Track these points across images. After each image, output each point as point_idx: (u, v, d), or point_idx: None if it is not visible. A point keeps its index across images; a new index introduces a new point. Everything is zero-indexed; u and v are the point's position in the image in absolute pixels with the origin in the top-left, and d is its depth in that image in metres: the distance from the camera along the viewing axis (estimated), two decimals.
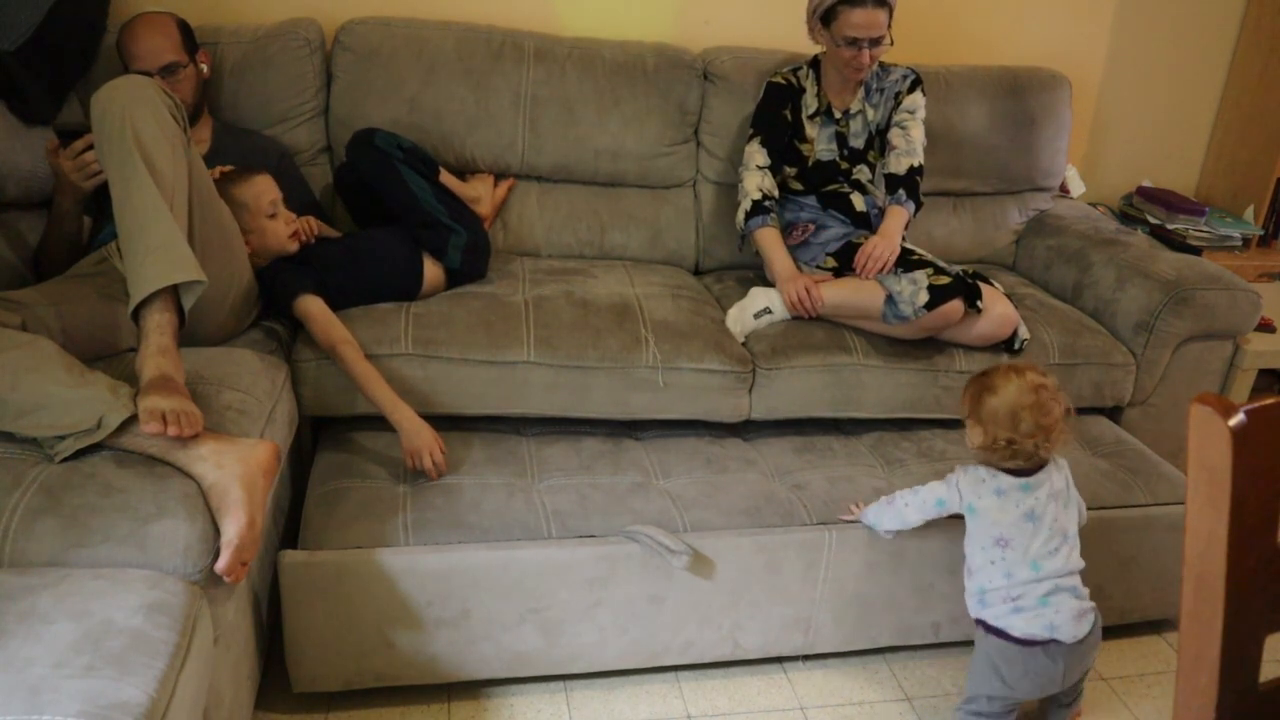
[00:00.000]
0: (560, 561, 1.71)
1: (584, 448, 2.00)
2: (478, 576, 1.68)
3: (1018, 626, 1.60)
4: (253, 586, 1.63)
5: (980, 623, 1.66)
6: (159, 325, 1.47)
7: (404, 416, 1.81)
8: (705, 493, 1.89)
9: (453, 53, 2.36)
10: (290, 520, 1.89)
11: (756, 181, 2.32)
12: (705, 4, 2.68)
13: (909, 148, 2.32)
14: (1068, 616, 1.58)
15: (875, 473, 2.00)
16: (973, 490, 1.64)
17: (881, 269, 2.13)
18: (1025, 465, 1.62)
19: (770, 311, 2.18)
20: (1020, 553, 1.60)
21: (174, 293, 1.49)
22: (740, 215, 2.32)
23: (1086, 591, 1.64)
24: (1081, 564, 1.64)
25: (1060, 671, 1.61)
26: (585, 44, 2.47)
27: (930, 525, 1.77)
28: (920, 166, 2.32)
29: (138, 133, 1.50)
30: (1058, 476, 1.64)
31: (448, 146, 2.39)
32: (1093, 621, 1.63)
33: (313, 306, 1.88)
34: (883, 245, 2.16)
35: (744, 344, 2.13)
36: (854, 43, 2.17)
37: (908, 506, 1.74)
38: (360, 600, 1.66)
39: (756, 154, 2.34)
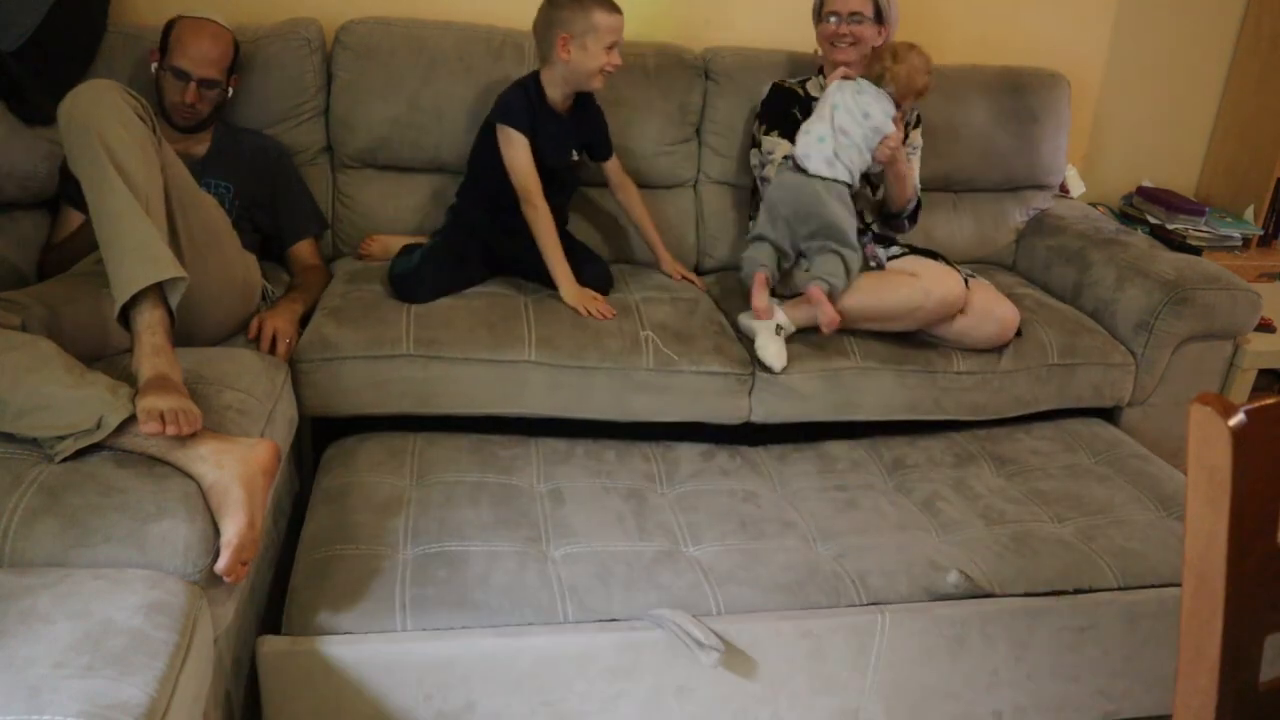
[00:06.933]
0: (578, 649, 1.52)
1: (605, 506, 1.80)
2: (484, 666, 1.50)
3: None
4: (224, 678, 1.43)
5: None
6: (149, 325, 1.47)
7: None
8: (740, 563, 1.68)
9: (452, 52, 2.36)
10: (288, 530, 1.88)
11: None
12: (705, 4, 2.68)
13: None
14: (819, 155, 2.11)
15: (928, 538, 1.82)
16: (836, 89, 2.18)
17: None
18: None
19: (783, 327, 2.11)
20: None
21: (160, 292, 1.49)
22: None
23: (850, 173, 2.12)
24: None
25: (805, 195, 2.08)
26: None
27: (996, 608, 1.66)
28: (919, 202, 2.38)
29: (105, 138, 1.49)
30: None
31: (448, 146, 2.39)
32: (835, 176, 2.10)
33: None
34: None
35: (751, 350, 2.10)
36: (833, 15, 2.25)
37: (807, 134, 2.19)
38: (350, 694, 1.47)
39: (779, 145, 2.31)
